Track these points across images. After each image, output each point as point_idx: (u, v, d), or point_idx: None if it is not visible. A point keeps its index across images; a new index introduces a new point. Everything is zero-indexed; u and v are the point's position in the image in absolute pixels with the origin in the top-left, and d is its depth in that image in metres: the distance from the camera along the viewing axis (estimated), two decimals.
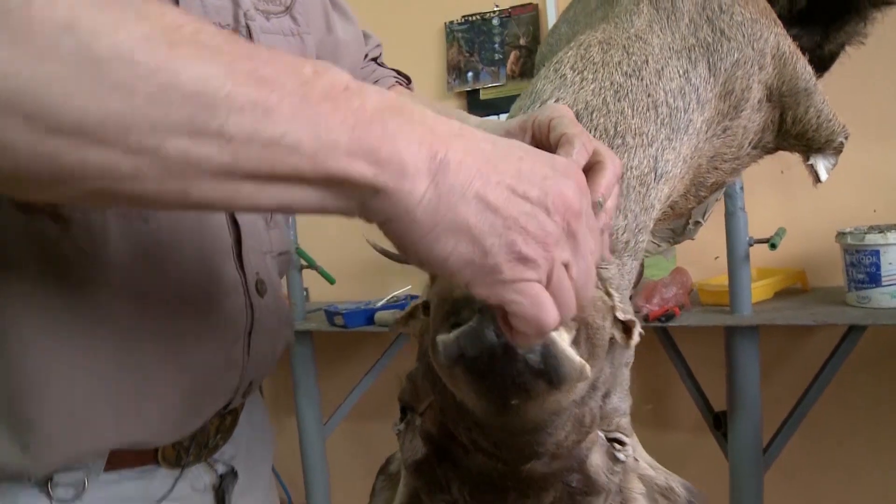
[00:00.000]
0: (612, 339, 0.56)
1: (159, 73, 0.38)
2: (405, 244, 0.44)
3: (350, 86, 0.42)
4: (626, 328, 0.57)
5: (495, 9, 2.61)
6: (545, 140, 0.60)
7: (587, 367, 0.49)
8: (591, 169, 0.57)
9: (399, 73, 1.01)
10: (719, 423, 1.95)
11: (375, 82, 0.95)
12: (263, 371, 0.77)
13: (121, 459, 0.69)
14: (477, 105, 2.66)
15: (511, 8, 2.60)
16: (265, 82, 0.40)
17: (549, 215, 0.44)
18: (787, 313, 1.81)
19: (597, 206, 0.55)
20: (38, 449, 0.64)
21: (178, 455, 0.73)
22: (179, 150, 0.39)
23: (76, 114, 0.37)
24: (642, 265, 2.42)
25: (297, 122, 0.40)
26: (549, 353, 0.47)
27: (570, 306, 0.46)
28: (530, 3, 2.56)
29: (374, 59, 1.00)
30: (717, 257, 2.16)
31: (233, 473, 0.80)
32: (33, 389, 0.62)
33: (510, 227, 0.42)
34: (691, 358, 2.12)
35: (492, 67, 2.63)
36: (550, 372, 0.47)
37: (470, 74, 2.66)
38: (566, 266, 0.45)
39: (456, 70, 2.69)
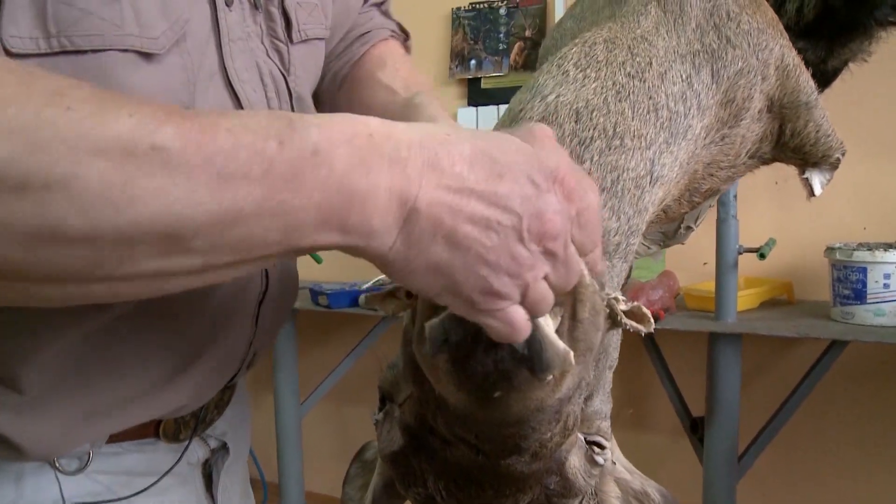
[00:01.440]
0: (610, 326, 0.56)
1: (123, 213, 0.38)
2: (388, 275, 0.46)
3: (319, 148, 0.41)
4: (636, 316, 0.56)
5: None
6: None
7: (571, 354, 0.48)
8: None
9: (400, 27, 0.96)
10: (696, 429, 1.96)
11: (367, 32, 0.91)
12: (267, 341, 0.76)
13: (123, 432, 0.68)
14: (477, 93, 2.65)
15: None
16: (228, 182, 0.40)
17: (522, 243, 0.43)
18: (771, 323, 1.81)
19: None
20: (55, 434, 0.63)
21: (178, 429, 0.72)
22: (151, 269, 0.41)
23: (46, 265, 0.39)
24: (630, 266, 2.41)
25: (263, 218, 0.40)
26: (533, 339, 0.46)
27: (549, 307, 0.46)
28: None
29: (378, 5, 0.95)
30: (705, 263, 2.16)
31: (224, 448, 0.79)
32: (53, 377, 0.61)
33: (480, 263, 0.43)
34: (673, 362, 2.12)
35: (495, 57, 2.62)
36: (534, 357, 0.46)
37: (473, 62, 2.65)
38: (546, 276, 0.45)
39: (459, 57, 2.67)
